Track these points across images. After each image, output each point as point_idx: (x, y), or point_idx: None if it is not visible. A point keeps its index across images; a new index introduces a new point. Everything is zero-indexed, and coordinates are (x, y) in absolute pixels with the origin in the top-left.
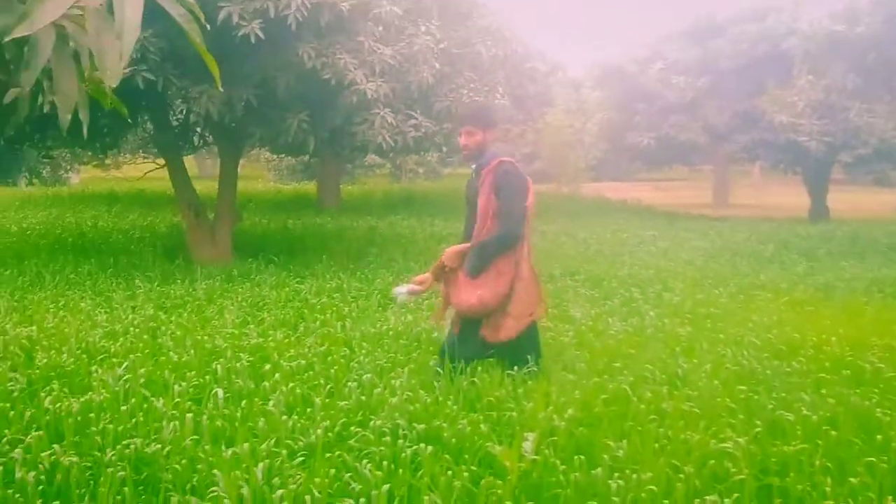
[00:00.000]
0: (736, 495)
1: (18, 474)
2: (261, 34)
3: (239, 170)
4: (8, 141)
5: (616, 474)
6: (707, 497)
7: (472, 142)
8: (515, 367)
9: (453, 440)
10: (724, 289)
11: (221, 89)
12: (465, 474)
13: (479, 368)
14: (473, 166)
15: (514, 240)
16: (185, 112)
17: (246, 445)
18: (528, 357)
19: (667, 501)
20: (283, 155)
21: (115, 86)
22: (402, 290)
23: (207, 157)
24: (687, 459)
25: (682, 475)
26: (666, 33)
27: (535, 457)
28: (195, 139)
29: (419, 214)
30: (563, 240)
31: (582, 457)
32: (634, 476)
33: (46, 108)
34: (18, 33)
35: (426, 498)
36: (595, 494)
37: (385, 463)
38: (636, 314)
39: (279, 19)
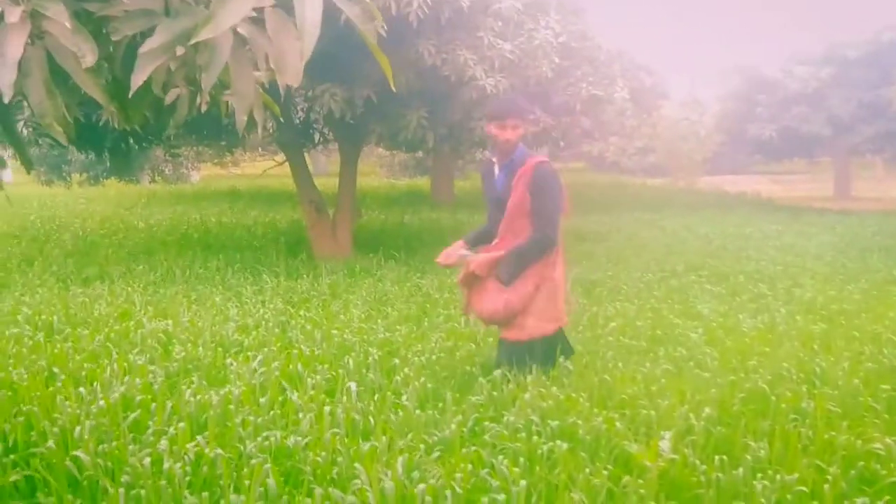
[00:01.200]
0: (887, 498)
1: (166, 465)
2: (383, 32)
3: None
4: (136, 139)
5: (759, 475)
6: (857, 500)
7: (515, 135)
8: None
9: (588, 437)
10: (856, 285)
11: (394, 89)
12: (604, 472)
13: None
14: (496, 161)
15: (552, 245)
16: (306, 110)
17: (384, 439)
18: (538, 363)
19: (815, 503)
20: (397, 151)
21: (295, 85)
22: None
23: (322, 153)
24: (832, 460)
25: (828, 476)
26: (788, 24)
27: (674, 456)
28: (316, 137)
29: None
30: (683, 235)
31: (724, 457)
32: (779, 477)
33: (203, 109)
34: (203, 36)
35: (573, 496)
36: (738, 495)
37: (521, 459)
38: (766, 311)
39: (400, 17)
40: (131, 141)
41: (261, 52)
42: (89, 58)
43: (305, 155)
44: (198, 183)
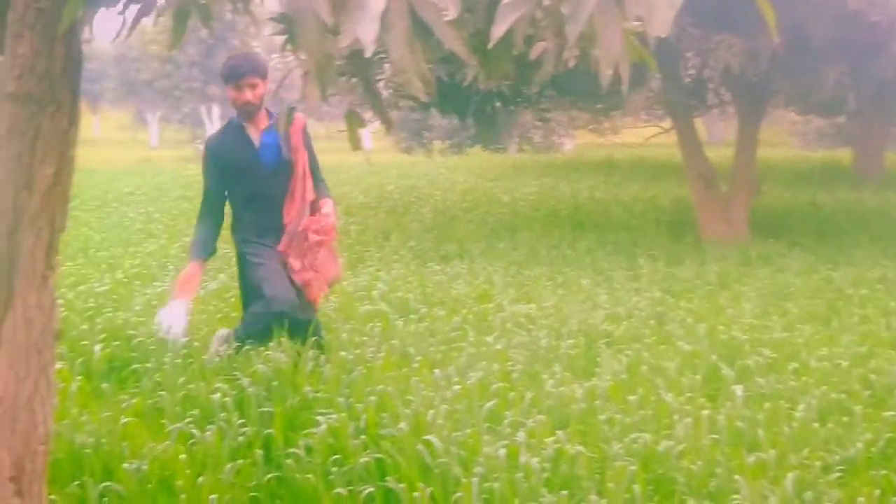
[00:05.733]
0: None
1: (523, 458)
2: None
3: None
4: (504, 102)
5: None
6: None
7: (256, 96)
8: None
9: None
10: None
11: (777, 40)
12: None
13: None
14: (247, 126)
15: None
16: (698, 66)
17: (772, 452)
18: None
19: None
20: (811, 116)
21: (663, 36)
22: (173, 318)
23: (718, 118)
24: None
25: None
26: None
27: None
28: (709, 98)
29: None
30: None
31: None
32: None
33: (571, 64)
34: None
35: None
36: None
37: None
38: None
39: None
40: (497, 104)
41: (630, 0)
42: (452, 10)
43: (697, 120)
44: (570, 152)
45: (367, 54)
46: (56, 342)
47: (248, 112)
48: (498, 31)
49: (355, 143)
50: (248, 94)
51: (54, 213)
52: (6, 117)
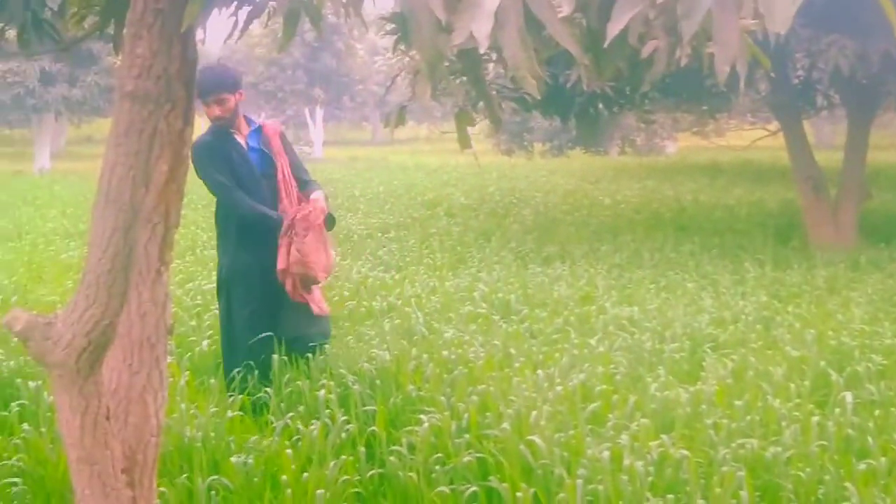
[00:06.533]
0: None
1: (626, 461)
2: None
3: None
4: (607, 103)
5: None
6: None
7: (224, 110)
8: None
9: None
10: None
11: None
12: None
13: None
14: (232, 132)
15: None
16: (807, 67)
17: (883, 460)
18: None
19: None
20: None
21: (783, 32)
22: None
23: (826, 121)
24: None
25: None
26: None
27: None
28: (818, 100)
29: None
30: None
31: None
32: None
33: (683, 62)
34: None
35: None
36: None
37: None
38: None
39: None
40: (601, 105)
41: None
42: (566, 7)
43: (806, 123)
44: (673, 155)
45: (482, 50)
46: (168, 336)
47: (221, 125)
48: (615, 27)
49: (465, 143)
50: (217, 110)
51: (169, 210)
52: (125, 116)
